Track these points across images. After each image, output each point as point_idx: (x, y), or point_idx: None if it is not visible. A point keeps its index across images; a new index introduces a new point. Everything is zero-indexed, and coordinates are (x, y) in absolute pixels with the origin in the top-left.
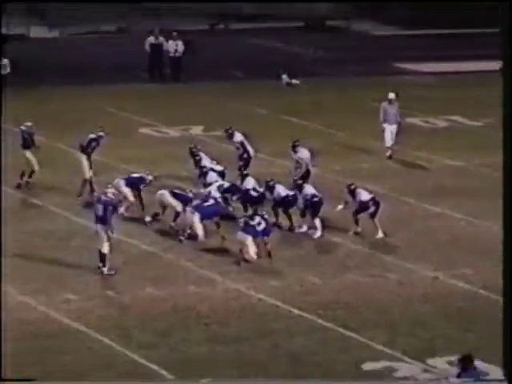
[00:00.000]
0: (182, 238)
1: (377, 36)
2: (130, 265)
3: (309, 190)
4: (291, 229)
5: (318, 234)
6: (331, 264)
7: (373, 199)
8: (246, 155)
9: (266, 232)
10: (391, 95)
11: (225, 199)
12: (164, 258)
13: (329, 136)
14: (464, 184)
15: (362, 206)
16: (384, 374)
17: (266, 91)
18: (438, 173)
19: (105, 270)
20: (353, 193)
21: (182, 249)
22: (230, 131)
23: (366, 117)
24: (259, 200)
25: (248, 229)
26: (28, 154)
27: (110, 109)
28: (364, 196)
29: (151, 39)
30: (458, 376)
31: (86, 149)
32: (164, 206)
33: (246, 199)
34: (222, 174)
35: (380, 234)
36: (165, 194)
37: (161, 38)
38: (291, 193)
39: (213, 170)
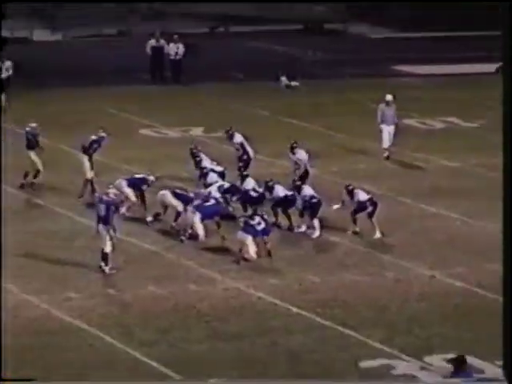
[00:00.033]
0: (182, 237)
1: (374, 39)
2: (132, 264)
3: (307, 191)
4: (290, 228)
5: (317, 233)
6: (330, 263)
7: (370, 199)
8: (245, 156)
9: (265, 231)
10: (388, 97)
11: (225, 199)
12: (165, 257)
13: (327, 137)
14: (460, 184)
15: (360, 206)
16: (382, 371)
17: (265, 93)
18: (434, 173)
19: (107, 268)
20: (351, 193)
21: (183, 248)
22: (230, 132)
23: (364, 118)
24: (259, 200)
25: (248, 228)
26: (32, 154)
27: (112, 110)
28: (362, 196)
29: (152, 42)
30: (451, 376)
31: (88, 150)
32: (165, 206)
33: (246, 199)
34: (222, 175)
35: (377, 234)
36: (166, 194)
37: (162, 41)
38: (290, 193)
39: (213, 170)
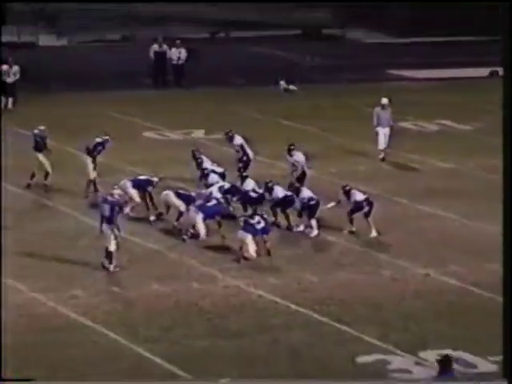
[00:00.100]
0: (185, 236)
1: (371, 44)
2: (135, 262)
3: (306, 193)
4: (289, 228)
5: (315, 233)
6: (327, 262)
7: (367, 200)
8: (245, 158)
9: (265, 230)
10: (384, 100)
11: (226, 200)
12: (168, 255)
13: (325, 140)
14: (454, 185)
15: (357, 206)
16: (377, 366)
17: (265, 97)
18: (429, 175)
19: (111, 267)
20: (348, 193)
21: (185, 247)
22: (230, 134)
23: (361, 121)
24: (258, 200)
25: (248, 227)
26: (40, 156)
27: (116, 114)
28: (358, 197)
29: (155, 47)
30: (438, 376)
31: (92, 152)
32: (168, 206)
33: (246, 200)
34: (222, 176)
35: (374, 233)
36: (169, 195)
37: (164, 46)
38: (289, 193)
39: (214, 171)
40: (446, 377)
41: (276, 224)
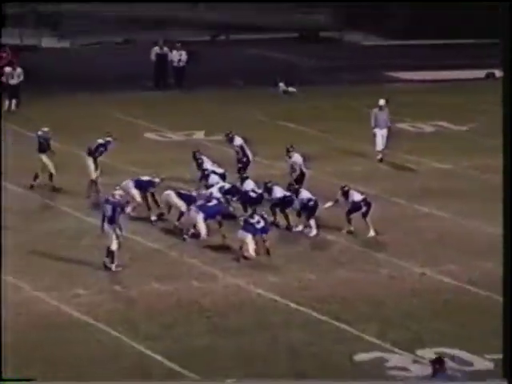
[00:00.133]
0: (185, 236)
1: (368, 46)
2: (137, 261)
3: (305, 194)
4: (288, 228)
5: (314, 232)
6: (326, 260)
7: (364, 200)
8: (245, 158)
9: (264, 230)
10: (381, 102)
11: (226, 200)
12: (169, 255)
13: (324, 141)
14: (451, 185)
15: (355, 206)
16: (376, 363)
17: (264, 98)
18: (426, 175)
19: (113, 266)
20: (346, 194)
21: (186, 246)
22: (230, 135)
23: (359, 123)
24: (258, 201)
25: (248, 227)
26: (44, 157)
27: (118, 115)
28: (356, 197)
29: (156, 49)
30: (431, 378)
31: (94, 153)
32: (169, 206)
33: (246, 200)
34: (222, 176)
35: (371, 233)
36: (171, 195)
37: (165, 49)
38: (288, 194)
39: (214, 172)
40: (439, 378)
41: (275, 224)
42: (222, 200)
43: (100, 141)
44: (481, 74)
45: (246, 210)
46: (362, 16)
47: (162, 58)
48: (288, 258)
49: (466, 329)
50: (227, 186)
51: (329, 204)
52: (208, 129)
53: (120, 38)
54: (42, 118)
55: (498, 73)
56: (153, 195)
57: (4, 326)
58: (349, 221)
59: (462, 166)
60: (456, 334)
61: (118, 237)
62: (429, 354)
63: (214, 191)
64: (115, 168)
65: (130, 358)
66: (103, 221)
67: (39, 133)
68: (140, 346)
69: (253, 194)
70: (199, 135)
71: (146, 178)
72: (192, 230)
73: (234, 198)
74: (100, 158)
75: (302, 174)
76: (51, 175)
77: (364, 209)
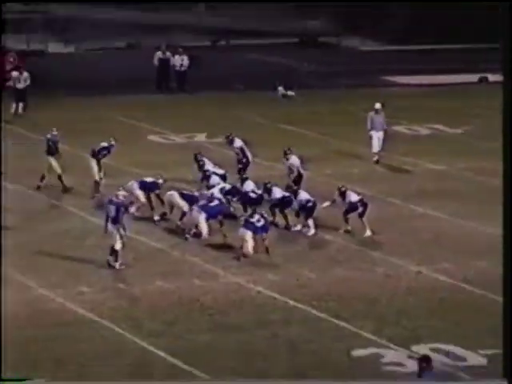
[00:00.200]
0: (187, 235)
1: (364, 51)
2: (140, 260)
3: (303, 195)
4: (287, 227)
5: (312, 232)
6: (324, 259)
7: (361, 200)
8: (244, 160)
9: (264, 228)
10: (377, 105)
11: (226, 200)
12: (171, 254)
13: (322, 143)
14: (446, 187)
15: (352, 207)
16: (372, 359)
17: (264, 102)
18: (421, 176)
19: (117, 264)
20: (343, 194)
21: (188, 245)
22: (231, 138)
23: (357, 126)
24: (258, 201)
25: (248, 225)
26: (52, 160)
27: (121, 118)
28: (353, 197)
29: (159, 54)
30: (419, 376)
31: (97, 155)
32: (172, 206)
33: (246, 200)
34: (223, 177)
35: (368, 232)
36: (174, 195)
37: (168, 53)
38: (287, 194)
39: (215, 173)
40: (426, 376)
41: (274, 223)
42: (223, 200)
43: (104, 144)
44: (474, 78)
45: (246, 210)
46: (360, 21)
47: (165, 62)
48: (287, 257)
49: (461, 326)
50: (228, 186)
51: (326, 204)
52: (209, 131)
53: (123, 43)
54: (48, 121)
55: (491, 77)
56: (158, 196)
57: (8, 323)
58: (346, 221)
59: (457, 167)
60: (451, 330)
61: (121, 237)
62: (424, 349)
63: (215, 192)
64: (119, 169)
65: (133, 353)
66: (107, 221)
67: (48, 136)
68: (143, 343)
69: (253, 195)
70: (201, 137)
71: (149, 179)
72: (194, 230)
73: (235, 199)
74: (105, 160)
75: (300, 176)
76: (60, 176)
77: (360, 209)
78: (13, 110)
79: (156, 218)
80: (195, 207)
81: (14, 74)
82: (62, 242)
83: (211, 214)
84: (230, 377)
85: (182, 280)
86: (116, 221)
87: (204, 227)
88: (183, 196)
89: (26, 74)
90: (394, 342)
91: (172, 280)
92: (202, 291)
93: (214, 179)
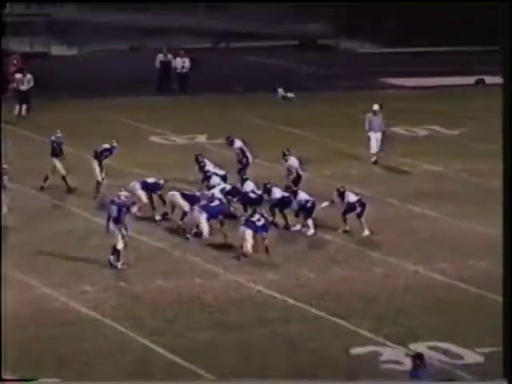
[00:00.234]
0: (188, 235)
1: (363, 54)
2: (142, 260)
3: (302, 195)
4: (287, 227)
5: (311, 231)
6: (323, 259)
7: (359, 201)
8: (244, 160)
9: (265, 227)
10: (375, 107)
11: (227, 200)
12: (172, 253)
13: (321, 145)
14: (443, 187)
15: (350, 207)
16: (370, 357)
17: (264, 104)
18: (419, 177)
19: (119, 264)
20: (342, 195)
21: (189, 245)
22: (231, 139)
23: (355, 127)
24: (258, 201)
25: (249, 224)
26: (56, 161)
27: (123, 119)
28: (352, 198)
29: (160, 56)
30: (411, 374)
31: (100, 156)
32: (173, 206)
33: (246, 201)
34: (224, 178)
35: (366, 232)
36: (175, 195)
37: (169, 56)
38: (287, 194)
39: (216, 174)
40: (420, 373)
41: (274, 223)
42: (224, 200)
43: (106, 146)
44: (471, 80)
45: (246, 211)
46: (359, 23)
47: (166, 64)
48: (286, 257)
49: (458, 324)
50: (228, 187)
51: (325, 204)
52: (210, 133)
53: (126, 46)
54: (52, 122)
55: (488, 79)
56: (160, 196)
57: (8, 322)
58: (345, 221)
59: (454, 168)
60: (448, 329)
61: (123, 236)
62: (421, 348)
63: (216, 192)
64: (121, 170)
65: (135, 351)
66: (108, 221)
67: (52, 137)
68: (145, 340)
69: (253, 195)
70: (201, 139)
71: (151, 179)
72: (195, 230)
73: (235, 199)
74: (107, 161)
75: (299, 177)
76: (64, 177)
77: (359, 209)
78: (16, 112)
79: (157, 217)
80: (196, 207)
81: (18, 75)
82: (65, 242)
83: (212, 214)
84: (229, 374)
85: (183, 279)
86: (118, 221)
87: (205, 227)
88: (184, 196)
89: (29, 75)
90: (391, 341)
91: (173, 279)
92: (203, 290)
93: (215, 180)
